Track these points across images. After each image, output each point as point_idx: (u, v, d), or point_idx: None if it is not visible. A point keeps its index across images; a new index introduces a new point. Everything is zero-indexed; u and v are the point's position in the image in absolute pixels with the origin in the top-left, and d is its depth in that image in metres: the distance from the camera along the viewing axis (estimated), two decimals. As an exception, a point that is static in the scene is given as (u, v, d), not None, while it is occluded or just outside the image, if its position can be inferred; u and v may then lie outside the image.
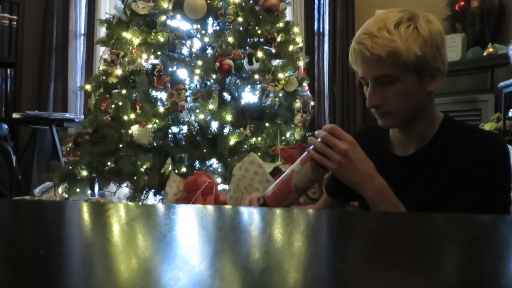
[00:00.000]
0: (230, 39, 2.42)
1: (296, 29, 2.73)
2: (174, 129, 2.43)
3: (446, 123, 1.02)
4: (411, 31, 0.93)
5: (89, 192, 2.45)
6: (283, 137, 2.46)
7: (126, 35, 2.47)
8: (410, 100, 0.97)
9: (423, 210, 0.97)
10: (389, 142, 1.10)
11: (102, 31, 3.19)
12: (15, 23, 3.43)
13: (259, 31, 2.51)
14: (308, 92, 2.76)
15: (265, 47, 2.49)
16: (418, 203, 0.98)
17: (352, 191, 1.01)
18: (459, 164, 0.94)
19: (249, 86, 2.49)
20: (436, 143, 1.00)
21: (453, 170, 0.94)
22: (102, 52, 2.88)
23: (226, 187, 2.06)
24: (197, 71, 2.34)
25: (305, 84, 2.69)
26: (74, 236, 0.49)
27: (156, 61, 2.38)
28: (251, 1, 2.55)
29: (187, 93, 2.37)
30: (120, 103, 2.40)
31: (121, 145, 2.31)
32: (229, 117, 2.31)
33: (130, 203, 1.77)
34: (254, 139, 2.39)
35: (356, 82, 3.78)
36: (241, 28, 2.48)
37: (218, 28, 2.54)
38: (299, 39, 2.74)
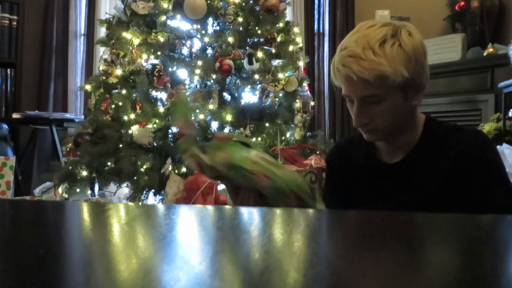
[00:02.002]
0: (230, 39, 2.42)
1: (296, 29, 2.73)
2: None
3: (429, 124, 1.03)
4: (396, 50, 0.91)
5: (89, 192, 2.45)
6: (283, 137, 2.46)
7: (126, 35, 2.47)
8: (396, 116, 0.97)
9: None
10: (375, 149, 1.09)
11: (102, 31, 3.19)
12: (15, 23, 3.42)
13: (259, 31, 2.50)
14: (308, 92, 2.76)
15: (265, 47, 2.49)
16: (413, 209, 0.98)
17: (348, 205, 1.03)
18: (453, 166, 0.95)
19: (249, 86, 2.49)
20: (421, 147, 1.01)
21: (448, 173, 0.95)
22: (102, 52, 2.88)
23: (226, 187, 2.06)
24: (197, 71, 2.34)
25: (305, 84, 2.69)
26: (74, 236, 0.49)
27: (156, 61, 2.38)
28: (251, 1, 2.55)
29: (187, 93, 2.37)
30: (120, 103, 2.40)
31: (121, 145, 2.31)
32: (229, 117, 2.31)
33: (130, 203, 1.77)
34: (254, 139, 2.39)
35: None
36: (241, 28, 2.48)
37: (218, 28, 2.54)
38: (299, 39, 2.74)
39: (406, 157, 1.02)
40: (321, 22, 3.94)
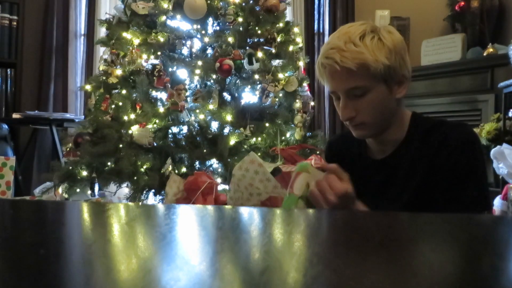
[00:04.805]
0: (230, 39, 2.41)
1: (296, 29, 2.73)
2: (174, 129, 2.43)
3: (415, 120, 1.05)
4: (376, 42, 0.96)
5: (89, 192, 2.45)
6: (283, 137, 2.46)
7: (126, 35, 2.47)
8: (381, 109, 1.00)
9: (406, 209, 1.00)
10: (366, 146, 1.13)
11: (102, 31, 3.19)
12: (15, 23, 3.42)
13: (259, 31, 2.50)
14: (308, 92, 2.76)
15: (265, 47, 2.49)
16: (400, 202, 1.01)
17: None
18: (434, 158, 0.97)
19: (249, 86, 2.48)
20: (408, 142, 1.04)
21: (429, 166, 0.98)
22: (102, 52, 2.88)
23: (226, 187, 2.06)
24: (197, 71, 2.34)
25: (305, 84, 2.69)
26: (74, 236, 0.49)
27: (156, 61, 2.38)
28: (251, 1, 2.55)
29: (187, 93, 2.37)
30: (120, 103, 2.40)
31: (121, 145, 2.31)
32: (229, 117, 2.31)
33: (130, 203, 1.77)
34: (254, 139, 2.39)
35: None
36: (241, 28, 2.48)
37: (218, 28, 2.54)
38: (299, 39, 2.74)
39: (393, 152, 1.05)
40: (321, 22, 3.94)
